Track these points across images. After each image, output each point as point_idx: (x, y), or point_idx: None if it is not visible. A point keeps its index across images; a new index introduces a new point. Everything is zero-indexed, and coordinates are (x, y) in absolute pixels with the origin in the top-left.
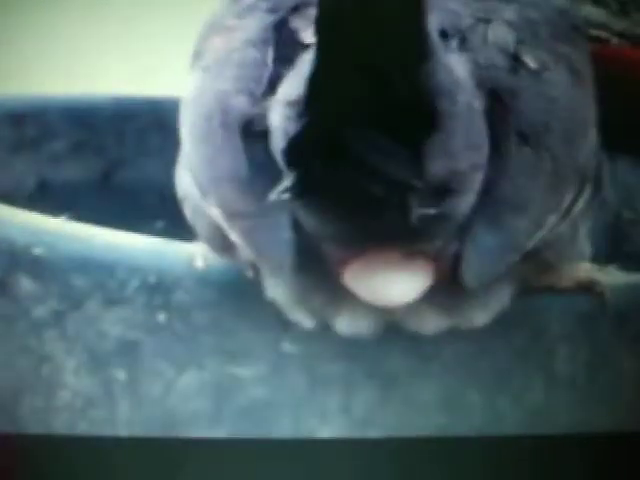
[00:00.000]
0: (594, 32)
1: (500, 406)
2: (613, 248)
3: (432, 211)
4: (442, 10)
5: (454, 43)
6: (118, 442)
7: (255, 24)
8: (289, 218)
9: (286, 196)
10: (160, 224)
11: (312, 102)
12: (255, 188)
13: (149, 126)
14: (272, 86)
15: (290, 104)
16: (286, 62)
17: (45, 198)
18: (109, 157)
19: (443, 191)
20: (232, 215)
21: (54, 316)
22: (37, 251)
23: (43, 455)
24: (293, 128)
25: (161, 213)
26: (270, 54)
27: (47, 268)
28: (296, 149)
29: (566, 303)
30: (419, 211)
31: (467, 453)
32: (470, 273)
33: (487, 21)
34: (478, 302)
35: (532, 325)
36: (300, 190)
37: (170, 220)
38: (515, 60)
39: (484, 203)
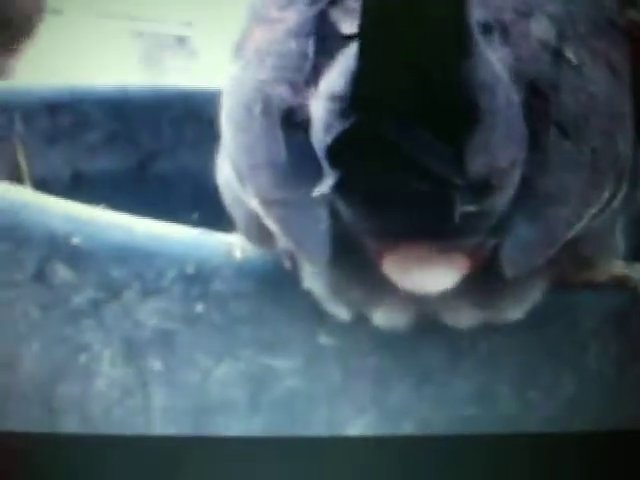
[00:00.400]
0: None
1: (531, 400)
2: None
3: (473, 208)
4: (484, 3)
5: (496, 36)
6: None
7: (295, 16)
8: (327, 209)
9: (327, 191)
10: (195, 215)
11: (355, 99)
12: (294, 177)
13: (184, 117)
14: (313, 76)
15: (333, 98)
16: (326, 54)
17: (80, 189)
18: (144, 148)
19: (484, 187)
20: (270, 203)
21: (91, 305)
22: (75, 240)
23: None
24: (335, 123)
25: (196, 204)
26: (311, 45)
27: (85, 257)
28: (339, 148)
29: (598, 298)
30: (461, 208)
31: (499, 450)
32: (509, 264)
33: (529, 15)
34: (512, 296)
35: (564, 320)
36: (342, 187)
37: (205, 211)
38: (557, 54)
39: (524, 196)
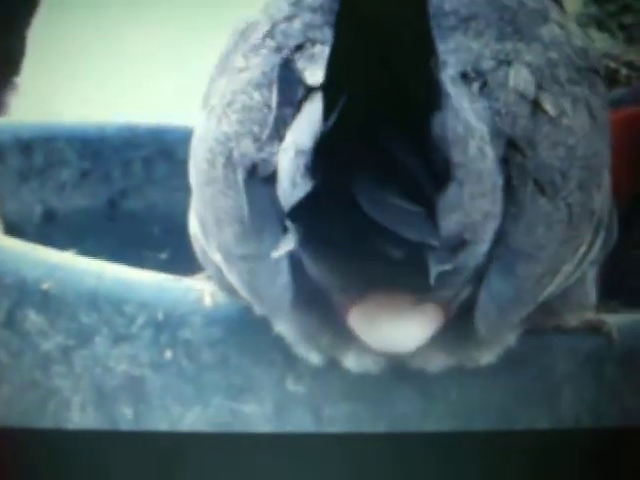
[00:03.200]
0: (603, 61)
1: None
2: (617, 283)
3: (449, 267)
4: (464, 51)
5: (475, 87)
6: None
7: (260, 65)
8: (288, 262)
9: (289, 249)
10: (164, 254)
11: (320, 160)
12: (256, 232)
13: (156, 155)
14: (277, 129)
15: (299, 152)
16: (291, 105)
17: (51, 226)
18: (115, 186)
19: (458, 243)
20: (232, 258)
21: (61, 351)
22: (45, 286)
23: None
24: (301, 180)
25: (166, 243)
26: (275, 97)
27: (55, 303)
28: (302, 209)
29: (572, 342)
30: (437, 269)
31: None
32: (482, 320)
33: (508, 63)
34: (484, 343)
35: (538, 364)
36: (306, 245)
37: (174, 250)
38: (535, 106)
39: (499, 251)
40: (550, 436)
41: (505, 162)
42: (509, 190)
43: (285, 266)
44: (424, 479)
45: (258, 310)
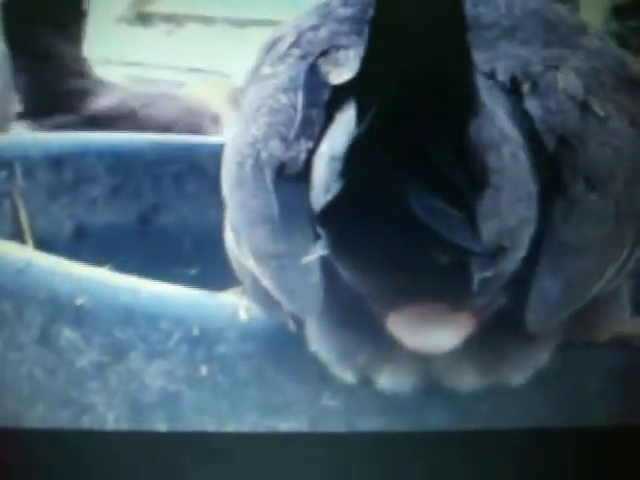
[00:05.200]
0: None
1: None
2: None
3: (489, 273)
4: (512, 57)
5: (526, 87)
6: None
7: (287, 71)
8: (318, 261)
9: (321, 254)
10: (194, 270)
11: (355, 163)
12: (286, 231)
13: (185, 170)
14: (303, 129)
15: (335, 159)
16: (316, 105)
17: (82, 242)
18: (146, 201)
19: (496, 250)
20: (263, 258)
21: (96, 367)
22: (80, 301)
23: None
24: (335, 186)
25: (196, 259)
26: (300, 98)
27: (90, 319)
28: (334, 213)
29: (603, 358)
30: (479, 276)
31: None
32: (533, 319)
33: (556, 68)
34: (517, 361)
35: (568, 380)
36: (338, 251)
37: (205, 266)
38: (584, 107)
39: (548, 248)
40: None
41: (557, 158)
42: (559, 186)
43: (316, 266)
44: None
45: (289, 308)
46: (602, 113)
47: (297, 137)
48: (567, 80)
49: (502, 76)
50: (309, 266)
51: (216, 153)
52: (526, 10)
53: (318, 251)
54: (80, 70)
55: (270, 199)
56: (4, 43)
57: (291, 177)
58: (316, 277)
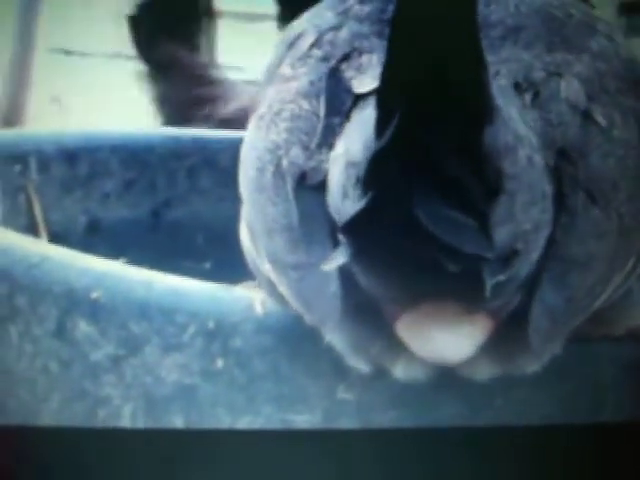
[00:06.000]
0: None
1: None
2: None
3: (502, 278)
4: (516, 61)
5: (527, 98)
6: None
7: (308, 74)
8: (337, 271)
9: (341, 263)
10: (208, 264)
11: (376, 173)
12: (306, 241)
13: (199, 165)
14: (325, 138)
15: (351, 164)
16: (339, 114)
17: (95, 236)
18: (159, 196)
19: (510, 253)
20: (280, 266)
21: (112, 361)
22: (95, 295)
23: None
24: (353, 191)
25: (209, 253)
26: (322, 106)
27: (105, 312)
28: (359, 224)
29: (617, 351)
30: (492, 281)
31: None
32: (537, 333)
33: (559, 75)
34: (530, 352)
35: (583, 372)
36: (358, 258)
37: (218, 260)
38: (586, 117)
39: (551, 261)
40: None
41: (556, 172)
42: (561, 200)
43: (335, 275)
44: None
45: (308, 320)
46: (605, 122)
47: (319, 146)
48: (569, 88)
49: (505, 80)
50: (328, 277)
51: (229, 147)
52: (533, 7)
53: (339, 259)
54: (209, 76)
55: (290, 208)
56: (136, 55)
57: (312, 186)
58: (334, 287)
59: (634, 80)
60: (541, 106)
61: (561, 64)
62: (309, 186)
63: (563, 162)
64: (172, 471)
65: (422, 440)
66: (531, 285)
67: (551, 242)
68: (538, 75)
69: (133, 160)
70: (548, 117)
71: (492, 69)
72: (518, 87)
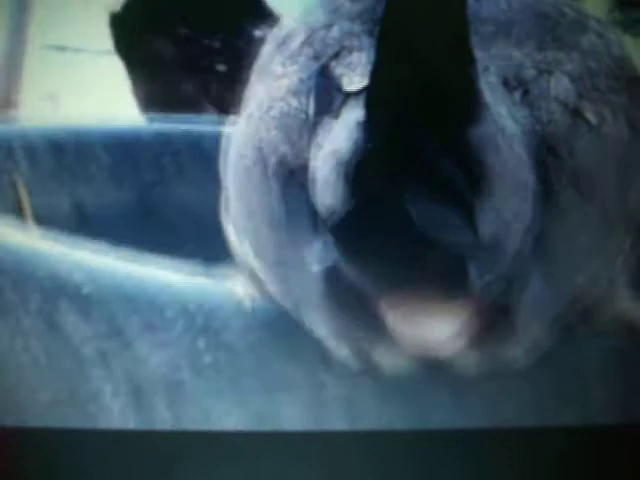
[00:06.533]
0: None
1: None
2: None
3: (487, 271)
4: (506, 58)
5: (517, 95)
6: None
7: (298, 72)
8: (324, 266)
9: (330, 264)
10: (191, 247)
11: (365, 174)
12: (292, 238)
13: (184, 150)
14: (314, 136)
15: (338, 161)
16: (328, 112)
17: (81, 222)
18: (144, 180)
19: (493, 244)
20: (266, 264)
21: (101, 355)
22: (86, 290)
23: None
24: (343, 194)
25: (195, 237)
26: (312, 104)
27: (95, 307)
28: (348, 226)
29: (604, 342)
30: (476, 272)
31: None
32: (523, 325)
33: (549, 73)
34: (519, 346)
35: (570, 363)
36: (346, 256)
37: (203, 244)
38: (575, 115)
39: (540, 253)
40: (579, 434)
41: (545, 167)
42: (548, 195)
43: (321, 272)
44: (453, 475)
45: (292, 313)
46: (595, 120)
47: (308, 144)
48: (560, 87)
49: (494, 78)
50: (314, 274)
51: (214, 134)
52: (525, 4)
53: (327, 261)
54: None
55: (277, 206)
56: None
57: (299, 185)
58: (321, 284)
59: (626, 78)
60: (531, 104)
61: (551, 62)
62: (297, 185)
63: (551, 158)
64: (169, 472)
65: (412, 443)
66: (516, 275)
67: (538, 235)
68: (528, 73)
69: (118, 145)
70: (538, 114)
71: (481, 65)
72: (507, 84)
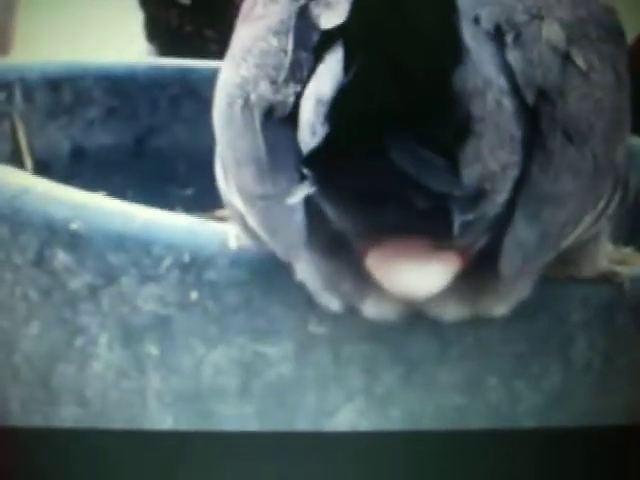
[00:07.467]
0: None
1: (517, 390)
2: (632, 229)
3: (470, 217)
4: (497, 4)
5: (509, 38)
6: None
7: (278, 12)
8: (303, 203)
9: (307, 194)
10: (189, 191)
11: (339, 110)
12: (272, 172)
13: (182, 94)
14: (293, 73)
15: (320, 102)
16: (305, 49)
17: (79, 163)
18: (142, 124)
19: (477, 194)
20: (249, 198)
21: (89, 290)
22: (74, 226)
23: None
24: (322, 129)
25: (191, 179)
26: (290, 42)
27: (83, 243)
28: (316, 157)
29: (585, 292)
30: (459, 219)
31: (488, 444)
32: (506, 263)
33: (540, 18)
34: (499, 293)
35: (551, 312)
36: (323, 191)
37: (199, 187)
38: (566, 59)
39: (525, 198)
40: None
41: (535, 110)
42: (538, 138)
43: (301, 206)
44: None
45: (277, 251)
46: (584, 65)
47: (286, 81)
48: (551, 31)
49: (486, 24)
50: (293, 207)
51: (210, 76)
52: None
53: (304, 191)
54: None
55: (258, 140)
56: None
57: (279, 120)
58: (300, 217)
59: (613, 27)
60: (522, 46)
61: (542, 8)
62: (277, 119)
63: (542, 101)
64: (169, 472)
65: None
66: (502, 224)
67: (526, 179)
68: (520, 18)
69: (116, 88)
70: (529, 57)
71: (472, 12)
72: (499, 29)
